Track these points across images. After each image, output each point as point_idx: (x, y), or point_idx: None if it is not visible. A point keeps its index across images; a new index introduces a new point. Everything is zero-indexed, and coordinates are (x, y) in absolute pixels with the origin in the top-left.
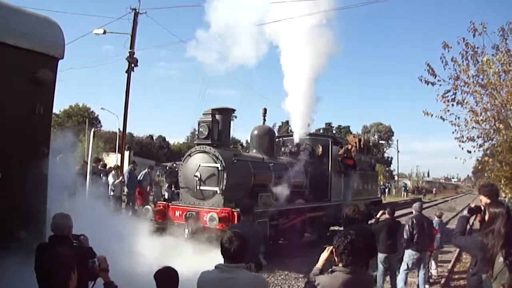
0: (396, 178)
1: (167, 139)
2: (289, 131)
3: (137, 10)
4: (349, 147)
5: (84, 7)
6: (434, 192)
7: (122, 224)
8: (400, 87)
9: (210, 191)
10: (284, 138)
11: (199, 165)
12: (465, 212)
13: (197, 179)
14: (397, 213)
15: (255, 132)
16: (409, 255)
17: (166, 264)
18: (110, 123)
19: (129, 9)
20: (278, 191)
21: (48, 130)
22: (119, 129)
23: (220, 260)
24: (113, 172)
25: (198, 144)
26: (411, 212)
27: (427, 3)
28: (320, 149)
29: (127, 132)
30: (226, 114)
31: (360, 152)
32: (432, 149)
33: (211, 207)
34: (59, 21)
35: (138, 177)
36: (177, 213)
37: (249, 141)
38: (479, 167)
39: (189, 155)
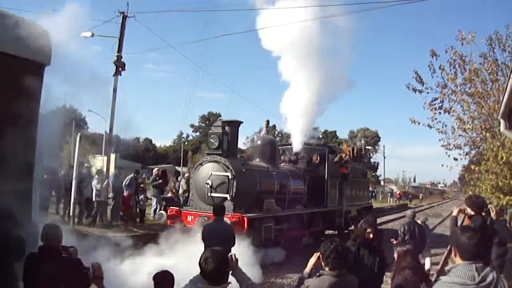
0: (382, 183)
1: (153, 142)
2: (275, 135)
3: (126, 14)
4: (344, 155)
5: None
6: (421, 197)
7: None
8: (387, 92)
9: (220, 198)
10: (283, 147)
11: (211, 174)
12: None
13: (208, 186)
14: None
15: (259, 142)
16: None
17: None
18: (97, 125)
19: (117, 13)
20: (280, 197)
21: (34, 136)
22: (105, 131)
23: None
24: (96, 176)
25: (209, 154)
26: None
27: (415, 9)
28: (317, 157)
29: (113, 134)
30: (234, 126)
31: (354, 161)
32: (419, 154)
33: None
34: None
35: (124, 182)
36: (189, 218)
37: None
38: (465, 175)
39: (201, 164)
